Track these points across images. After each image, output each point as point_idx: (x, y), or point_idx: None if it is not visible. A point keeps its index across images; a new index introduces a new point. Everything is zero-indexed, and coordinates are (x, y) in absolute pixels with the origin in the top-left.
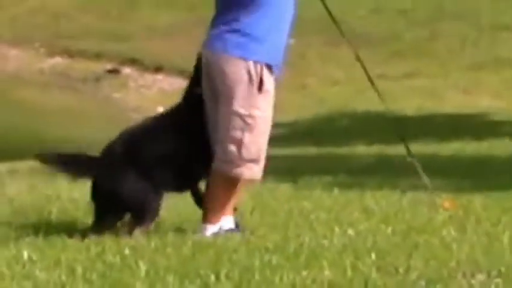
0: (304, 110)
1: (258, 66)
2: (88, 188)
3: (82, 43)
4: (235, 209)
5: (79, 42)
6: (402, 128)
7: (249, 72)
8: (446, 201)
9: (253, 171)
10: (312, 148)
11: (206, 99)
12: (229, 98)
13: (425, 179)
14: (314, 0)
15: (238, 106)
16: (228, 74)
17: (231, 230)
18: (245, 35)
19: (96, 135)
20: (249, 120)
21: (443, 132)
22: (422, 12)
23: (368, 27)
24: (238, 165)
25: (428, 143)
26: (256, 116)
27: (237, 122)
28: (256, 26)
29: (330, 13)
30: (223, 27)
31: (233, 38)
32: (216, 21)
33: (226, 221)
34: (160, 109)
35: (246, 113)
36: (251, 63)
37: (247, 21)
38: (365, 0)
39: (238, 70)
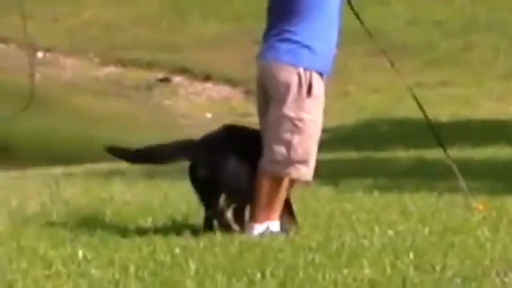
0: (346, 116)
1: (308, 73)
2: (138, 190)
3: (135, 53)
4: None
5: (131, 52)
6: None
7: (299, 78)
8: (480, 203)
9: (300, 171)
10: (353, 152)
11: (258, 107)
12: (280, 101)
13: (462, 182)
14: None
15: (288, 109)
16: (279, 80)
17: (276, 233)
18: (295, 42)
19: (147, 140)
20: (298, 123)
21: (477, 137)
22: (456, 23)
23: (404, 38)
24: (286, 166)
25: (462, 148)
26: (305, 119)
27: (287, 124)
28: (305, 35)
29: (362, 24)
30: (275, 38)
31: (284, 46)
32: (268, 35)
33: (273, 225)
34: (209, 116)
35: (296, 116)
36: (301, 69)
37: (297, 30)
38: (402, 12)
39: (289, 75)
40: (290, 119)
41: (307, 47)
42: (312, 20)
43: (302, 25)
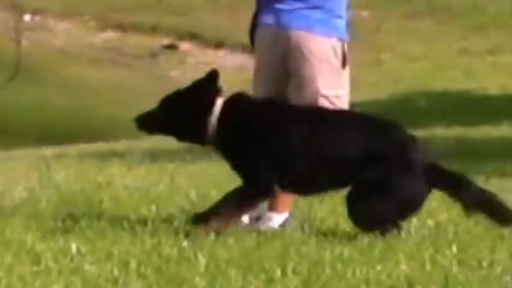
0: (379, 88)
1: (340, 43)
2: (140, 174)
3: (136, 16)
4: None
5: (132, 15)
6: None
7: (334, 50)
8: None
9: None
10: None
11: (273, 80)
12: (315, 79)
13: None
14: None
15: (325, 87)
16: (314, 53)
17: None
18: (328, 11)
19: None
20: (335, 101)
21: None
22: None
23: None
24: None
25: None
26: (341, 95)
27: (324, 103)
28: (336, 3)
29: None
30: (301, 5)
31: (315, 15)
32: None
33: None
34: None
35: (333, 93)
36: (335, 40)
37: None
38: None
39: (324, 48)
40: (327, 97)
41: (338, 16)
42: None
43: None
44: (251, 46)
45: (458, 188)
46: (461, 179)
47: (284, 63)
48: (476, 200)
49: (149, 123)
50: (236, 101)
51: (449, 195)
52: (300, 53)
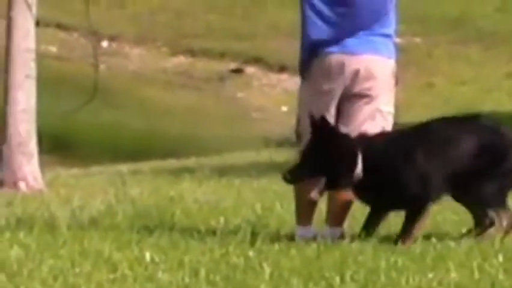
0: (431, 109)
1: (395, 64)
2: (209, 188)
3: (206, 42)
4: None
5: (202, 41)
6: None
7: (392, 71)
8: None
9: None
10: None
11: (329, 104)
12: (378, 97)
13: None
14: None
15: (383, 104)
16: (381, 74)
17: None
18: (387, 36)
19: (218, 134)
20: (388, 117)
21: None
22: None
23: (493, 26)
24: None
25: None
26: (391, 111)
27: (379, 119)
28: (391, 27)
29: None
30: (365, 32)
31: (379, 40)
32: (346, 24)
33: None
34: (284, 109)
35: (387, 109)
36: (393, 61)
37: (387, 23)
38: None
39: (387, 69)
40: (382, 113)
41: (392, 39)
42: (393, 11)
43: (390, 17)
44: (302, 76)
45: None
46: None
47: (348, 87)
48: None
49: (299, 176)
50: (371, 143)
51: None
52: (370, 74)
